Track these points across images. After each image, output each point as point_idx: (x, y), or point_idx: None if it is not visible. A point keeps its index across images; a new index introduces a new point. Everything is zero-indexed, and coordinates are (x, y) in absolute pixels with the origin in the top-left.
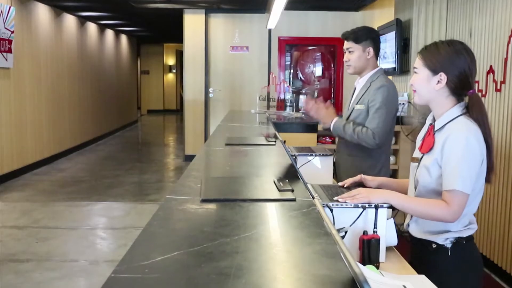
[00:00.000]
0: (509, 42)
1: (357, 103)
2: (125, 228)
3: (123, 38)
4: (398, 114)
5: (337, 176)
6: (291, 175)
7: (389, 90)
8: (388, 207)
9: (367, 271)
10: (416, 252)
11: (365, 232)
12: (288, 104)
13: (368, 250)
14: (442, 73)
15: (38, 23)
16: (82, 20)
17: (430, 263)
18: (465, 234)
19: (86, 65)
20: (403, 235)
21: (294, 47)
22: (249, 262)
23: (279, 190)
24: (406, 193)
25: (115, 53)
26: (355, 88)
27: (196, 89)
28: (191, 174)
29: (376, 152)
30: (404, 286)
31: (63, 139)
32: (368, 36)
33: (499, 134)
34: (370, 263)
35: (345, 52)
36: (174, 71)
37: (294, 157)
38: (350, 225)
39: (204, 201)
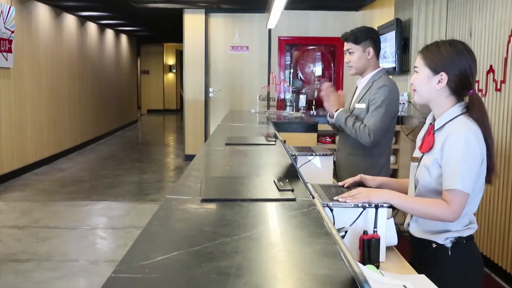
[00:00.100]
0: (509, 41)
1: (358, 102)
2: (125, 228)
3: (123, 38)
4: (398, 114)
5: (337, 175)
6: (291, 174)
7: (390, 90)
8: (388, 207)
9: (367, 271)
10: (416, 251)
11: (365, 232)
12: (288, 103)
13: (368, 249)
14: (443, 73)
15: (38, 23)
16: (82, 20)
17: (430, 263)
18: (465, 233)
19: (86, 65)
20: (403, 235)
21: (294, 47)
22: (249, 261)
23: (279, 190)
24: (406, 193)
25: (115, 53)
26: (356, 87)
27: (196, 89)
28: (191, 174)
29: (377, 151)
30: (404, 286)
31: (63, 139)
32: (368, 36)
33: (499, 134)
34: (370, 263)
35: (345, 54)
36: (174, 71)
37: (294, 156)
38: (350, 225)
39: (204, 201)
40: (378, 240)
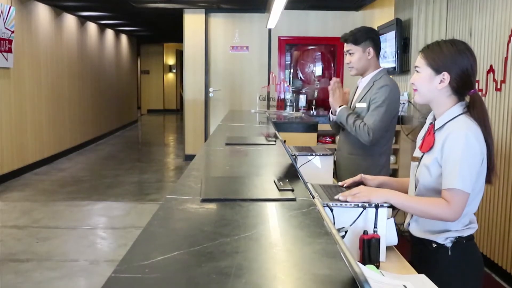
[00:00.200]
0: (509, 41)
1: (359, 102)
2: (125, 228)
3: (123, 38)
4: (398, 113)
5: (337, 175)
6: (291, 174)
7: (391, 90)
8: (388, 207)
9: (368, 271)
10: (416, 251)
11: (365, 232)
12: (288, 103)
13: (369, 249)
14: (445, 73)
15: (38, 23)
16: (82, 20)
17: (431, 263)
18: (465, 233)
19: (86, 65)
20: (403, 235)
21: (294, 47)
22: (249, 261)
23: (279, 190)
24: (406, 192)
25: (115, 53)
26: (357, 87)
27: (196, 89)
28: (191, 174)
29: (377, 151)
30: (404, 285)
31: (63, 138)
32: (367, 37)
33: (499, 134)
34: (371, 263)
35: (345, 55)
36: (174, 70)
37: (294, 156)
38: (350, 225)
39: (204, 200)
40: (378, 240)
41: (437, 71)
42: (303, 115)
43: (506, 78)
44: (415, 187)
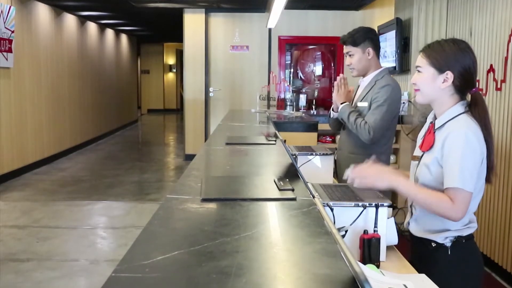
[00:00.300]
0: (509, 41)
1: (360, 101)
2: (125, 228)
3: (123, 38)
4: (399, 113)
5: (337, 174)
6: (291, 174)
7: (393, 89)
8: (389, 207)
9: (368, 270)
10: (416, 251)
11: (365, 231)
12: (288, 103)
13: (369, 249)
14: (448, 72)
15: (38, 23)
16: (82, 20)
17: (430, 262)
18: (465, 233)
19: (86, 64)
20: (403, 234)
21: (294, 46)
22: (250, 261)
23: (280, 189)
24: None
25: (115, 53)
26: (358, 86)
27: (196, 89)
28: (192, 174)
29: (377, 150)
30: (404, 285)
31: (63, 138)
32: (366, 37)
33: (499, 133)
34: (371, 262)
35: (345, 57)
36: (174, 70)
37: (294, 156)
38: (351, 224)
39: (205, 200)
40: (378, 240)
41: (440, 70)
42: (303, 114)
43: (506, 77)
44: None
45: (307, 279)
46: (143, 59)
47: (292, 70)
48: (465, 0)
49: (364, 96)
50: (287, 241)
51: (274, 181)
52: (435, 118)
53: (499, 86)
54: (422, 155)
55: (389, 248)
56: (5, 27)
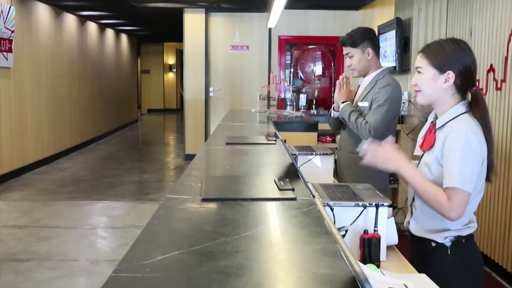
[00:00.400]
0: (509, 40)
1: (361, 100)
2: (125, 228)
3: (123, 38)
4: (400, 113)
5: (337, 174)
6: (291, 174)
7: (394, 89)
8: (388, 206)
9: (368, 270)
10: (416, 250)
11: (365, 231)
12: (288, 103)
13: (369, 249)
14: (450, 71)
15: (38, 23)
16: (82, 20)
17: (430, 262)
18: (465, 232)
19: (86, 64)
20: (403, 234)
21: (294, 46)
22: (250, 261)
23: (280, 189)
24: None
25: (115, 53)
26: (358, 86)
27: (196, 88)
28: (192, 173)
29: None
30: (404, 285)
31: (63, 138)
32: (365, 38)
33: (499, 133)
34: (371, 262)
35: (345, 58)
36: (174, 70)
37: (294, 156)
38: (351, 224)
39: (205, 200)
40: (378, 239)
41: (441, 70)
42: (303, 114)
43: (506, 77)
44: None
45: (307, 279)
46: (143, 59)
47: (292, 70)
48: (465, 0)
49: (365, 96)
50: (287, 241)
51: (274, 181)
52: (436, 117)
53: (499, 86)
54: (423, 154)
55: (389, 248)
56: (5, 27)
